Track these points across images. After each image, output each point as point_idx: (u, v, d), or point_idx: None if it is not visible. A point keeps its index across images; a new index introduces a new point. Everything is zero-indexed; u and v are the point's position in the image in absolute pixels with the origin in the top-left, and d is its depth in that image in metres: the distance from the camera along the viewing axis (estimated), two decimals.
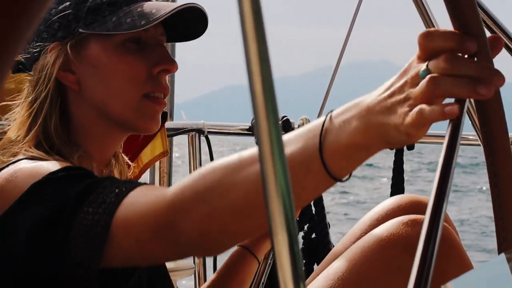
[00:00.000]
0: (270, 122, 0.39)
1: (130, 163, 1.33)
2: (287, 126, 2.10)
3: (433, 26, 1.53)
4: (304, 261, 2.02)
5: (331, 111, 0.81)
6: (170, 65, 1.15)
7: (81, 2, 1.14)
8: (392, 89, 0.76)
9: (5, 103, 1.21)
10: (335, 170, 0.80)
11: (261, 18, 0.38)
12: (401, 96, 0.75)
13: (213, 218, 0.84)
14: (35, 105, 1.14)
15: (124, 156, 1.30)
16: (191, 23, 1.21)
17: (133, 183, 0.94)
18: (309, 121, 2.15)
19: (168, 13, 1.11)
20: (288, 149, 0.81)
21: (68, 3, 1.14)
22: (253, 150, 0.83)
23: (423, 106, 0.72)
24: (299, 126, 2.14)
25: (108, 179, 0.96)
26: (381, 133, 0.76)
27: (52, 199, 0.95)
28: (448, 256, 1.09)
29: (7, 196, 0.99)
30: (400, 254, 1.10)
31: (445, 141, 0.65)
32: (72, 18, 1.13)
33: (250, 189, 0.80)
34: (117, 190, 0.92)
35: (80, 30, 1.12)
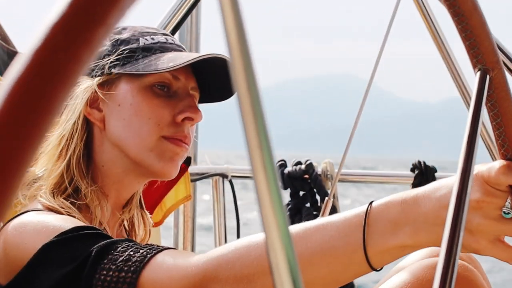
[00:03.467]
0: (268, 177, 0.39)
1: (151, 221, 1.33)
2: (311, 169, 2.10)
3: (442, 40, 1.52)
4: None
5: (371, 202, 0.84)
6: (194, 114, 1.15)
7: (119, 45, 1.16)
8: None
9: None
10: (377, 264, 0.83)
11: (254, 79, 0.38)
12: (471, 224, 0.79)
13: None
14: (62, 138, 1.15)
15: (148, 215, 1.30)
16: (224, 82, 1.20)
17: (159, 246, 0.95)
18: (332, 165, 2.14)
19: (197, 58, 1.12)
20: (331, 240, 0.83)
21: (106, 47, 1.17)
22: (294, 231, 0.85)
23: None
24: (322, 170, 2.13)
25: (129, 240, 0.96)
26: (438, 240, 0.77)
27: (68, 258, 0.94)
28: None
29: (15, 252, 0.99)
30: None
31: (457, 175, 0.65)
32: (107, 59, 1.15)
33: None
34: (142, 251, 0.93)
35: (112, 70, 1.14)
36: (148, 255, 0.92)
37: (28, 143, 0.27)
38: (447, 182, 0.81)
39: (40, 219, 1.02)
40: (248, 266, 0.85)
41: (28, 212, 1.05)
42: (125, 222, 1.25)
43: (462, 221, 0.61)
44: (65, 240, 0.96)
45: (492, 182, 0.78)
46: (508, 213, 0.77)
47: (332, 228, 0.84)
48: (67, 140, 1.15)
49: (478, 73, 0.73)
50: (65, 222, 1.00)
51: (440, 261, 0.58)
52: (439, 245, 0.77)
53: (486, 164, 0.80)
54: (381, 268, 0.85)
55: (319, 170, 2.12)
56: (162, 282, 0.90)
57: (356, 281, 2.01)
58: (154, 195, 1.66)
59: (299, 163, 2.13)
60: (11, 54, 1.56)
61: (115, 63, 1.15)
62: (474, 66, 0.74)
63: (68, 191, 1.12)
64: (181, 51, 1.20)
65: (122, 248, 0.93)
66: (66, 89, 0.28)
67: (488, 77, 0.73)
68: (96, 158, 1.16)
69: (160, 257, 0.92)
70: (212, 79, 1.21)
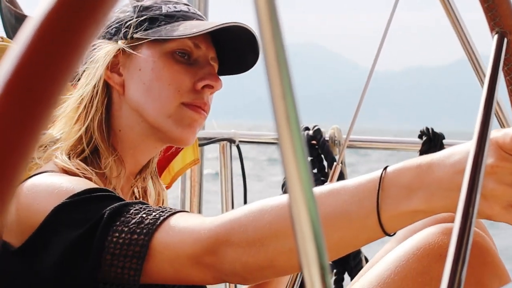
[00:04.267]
0: (293, 137, 0.38)
1: (164, 188, 1.34)
2: (318, 135, 2.10)
3: (454, 12, 1.51)
4: (334, 270, 2.01)
5: (386, 167, 0.84)
6: (214, 81, 1.16)
7: (141, 11, 1.17)
8: None
9: None
10: (390, 229, 0.84)
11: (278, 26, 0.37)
12: (485, 189, 0.78)
13: (259, 257, 0.86)
14: (81, 102, 1.15)
15: (163, 186, 1.30)
16: (242, 54, 1.21)
17: (172, 209, 0.95)
18: (340, 131, 2.14)
19: (220, 25, 1.12)
20: (344, 204, 0.84)
21: (128, 12, 1.18)
22: None
23: None
24: (330, 136, 2.13)
25: (141, 202, 0.97)
26: (452, 205, 0.79)
27: (81, 220, 0.95)
28: (484, 265, 1.06)
29: (27, 213, 0.99)
30: (436, 263, 1.08)
31: (474, 139, 0.64)
32: (129, 24, 1.16)
33: None
34: (155, 213, 0.93)
35: (134, 35, 1.15)
36: (161, 218, 0.92)
37: (40, 109, 0.26)
38: (461, 148, 0.81)
39: (53, 181, 1.02)
40: (261, 229, 0.86)
41: (41, 174, 1.06)
42: (136, 191, 1.25)
43: (478, 186, 0.60)
44: (78, 202, 0.96)
45: (507, 148, 0.78)
46: None
47: (346, 193, 0.84)
48: (86, 104, 1.15)
49: (496, 37, 0.72)
50: (78, 184, 1.00)
51: (456, 226, 0.57)
52: (452, 211, 0.77)
53: (501, 130, 0.80)
54: (394, 233, 0.85)
55: (326, 136, 2.12)
56: (174, 244, 0.90)
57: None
58: (162, 159, 1.66)
59: (306, 128, 2.12)
60: (19, 17, 1.55)
61: (137, 28, 1.15)
62: (492, 29, 0.73)
63: (85, 153, 1.12)
64: (202, 20, 1.20)
65: (134, 210, 0.94)
66: (80, 51, 0.27)
67: (505, 40, 0.72)
68: (114, 123, 1.16)
69: (172, 220, 0.92)
70: (231, 50, 1.21)
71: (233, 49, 1.20)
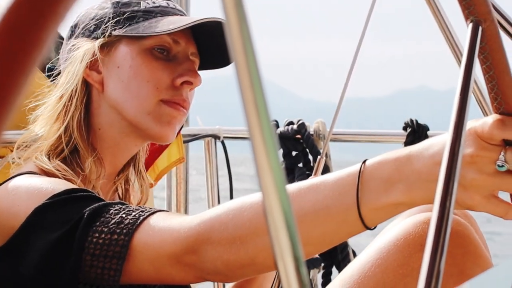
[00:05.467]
0: (264, 130, 0.38)
1: (151, 182, 1.33)
2: (303, 129, 2.10)
3: (450, 33, 1.52)
4: (322, 264, 2.01)
5: (364, 161, 0.84)
6: (193, 77, 1.15)
7: (119, 8, 1.17)
8: None
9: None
10: (371, 223, 0.84)
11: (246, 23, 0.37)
12: (465, 179, 0.78)
13: (240, 254, 0.86)
14: (61, 100, 1.15)
15: (147, 187, 1.30)
16: (225, 48, 1.21)
17: (151, 208, 0.95)
18: (324, 124, 2.14)
19: (197, 21, 1.12)
20: (325, 199, 0.84)
21: (107, 9, 1.17)
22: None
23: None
24: (314, 130, 2.13)
25: (121, 203, 0.97)
26: (433, 197, 0.79)
27: (61, 221, 0.95)
28: (466, 255, 1.07)
29: (7, 215, 0.99)
30: (416, 254, 1.08)
31: (450, 128, 0.64)
32: (107, 21, 1.15)
33: None
34: (134, 213, 0.93)
35: (113, 32, 1.14)
36: (141, 217, 0.92)
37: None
38: (440, 139, 0.81)
39: (32, 182, 1.02)
40: (241, 227, 0.86)
41: (21, 175, 1.05)
42: (119, 190, 1.25)
43: (455, 175, 0.61)
44: (58, 203, 0.96)
45: (486, 137, 0.78)
46: (502, 166, 0.77)
47: (326, 188, 0.84)
48: (65, 103, 1.14)
49: (470, 25, 0.72)
50: (58, 185, 1.00)
51: (434, 216, 0.58)
52: (432, 202, 0.77)
53: (479, 120, 0.80)
54: (375, 227, 0.85)
55: (311, 130, 2.12)
56: (154, 244, 0.90)
57: (350, 240, 2.02)
58: (147, 158, 1.66)
59: (291, 123, 2.13)
60: None
61: (115, 25, 1.15)
62: (466, 18, 0.73)
63: (64, 153, 1.12)
64: (182, 15, 1.20)
65: (114, 210, 0.94)
66: (40, 48, 0.27)
67: (480, 28, 0.72)
68: (93, 121, 1.16)
69: (152, 219, 0.92)
70: (212, 45, 1.20)
71: (214, 43, 1.20)
